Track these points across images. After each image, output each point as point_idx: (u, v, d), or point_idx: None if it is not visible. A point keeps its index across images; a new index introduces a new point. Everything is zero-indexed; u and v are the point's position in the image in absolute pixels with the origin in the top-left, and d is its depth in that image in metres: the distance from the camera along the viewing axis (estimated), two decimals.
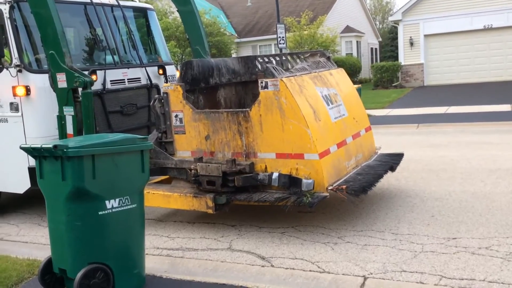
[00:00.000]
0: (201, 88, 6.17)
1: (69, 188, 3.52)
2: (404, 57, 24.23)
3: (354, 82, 24.23)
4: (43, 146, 3.55)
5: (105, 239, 3.68)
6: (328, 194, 4.84)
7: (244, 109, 5.27)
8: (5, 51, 5.67)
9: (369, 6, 46.48)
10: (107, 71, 6.45)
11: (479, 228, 4.90)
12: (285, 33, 15.52)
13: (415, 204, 5.83)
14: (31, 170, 5.68)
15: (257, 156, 5.12)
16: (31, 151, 3.68)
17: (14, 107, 5.82)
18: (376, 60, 35.41)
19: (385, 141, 8.59)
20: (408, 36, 23.95)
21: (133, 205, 3.84)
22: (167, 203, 5.54)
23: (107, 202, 3.65)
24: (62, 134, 5.62)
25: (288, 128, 4.90)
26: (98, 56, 6.84)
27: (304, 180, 4.83)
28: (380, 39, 39.08)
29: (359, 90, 12.44)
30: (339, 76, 6.39)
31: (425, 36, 23.56)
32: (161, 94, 5.79)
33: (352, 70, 26.60)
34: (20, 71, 5.68)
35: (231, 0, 34.96)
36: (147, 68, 7.10)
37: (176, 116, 5.61)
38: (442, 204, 5.76)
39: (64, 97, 5.55)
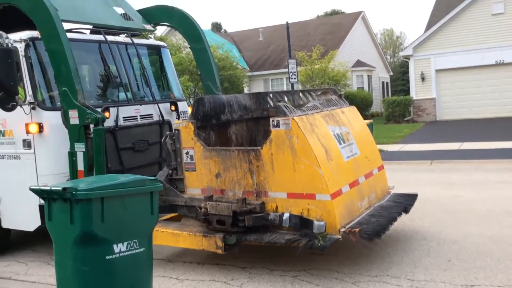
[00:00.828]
0: (213, 124, 6.15)
1: (77, 231, 3.45)
2: (416, 91, 24.22)
3: (366, 116, 24.29)
4: (52, 188, 3.51)
5: (112, 284, 3.58)
6: (340, 237, 4.72)
7: (255, 148, 5.22)
8: (20, 88, 5.71)
9: (379, 41, 46.95)
10: (120, 107, 6.47)
11: (498, 275, 4.72)
12: (297, 67, 15.62)
13: (431, 247, 5.66)
14: (42, 208, 5.64)
15: (268, 195, 5.04)
16: (41, 193, 3.64)
17: (26, 144, 5.83)
18: (388, 94, 35.47)
19: (398, 178, 8.45)
20: (419, 71, 24.00)
21: (142, 249, 3.75)
22: (176, 242, 5.44)
23: (115, 246, 3.57)
24: (73, 170, 5.60)
25: (299, 168, 4.83)
26: (111, 93, 6.88)
27: (315, 222, 4.72)
28: (391, 73, 39.25)
29: (370, 125, 12.36)
30: (351, 114, 6.34)
31: (437, 71, 23.59)
32: (173, 131, 5.78)
33: (364, 104, 26.62)
34: (33, 108, 5.71)
35: (243, 35, 35.51)
36: (159, 104, 7.12)
37: (187, 153, 5.57)
38: (459, 248, 5.59)
39: (76, 133, 5.56)
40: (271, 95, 6.80)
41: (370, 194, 5.71)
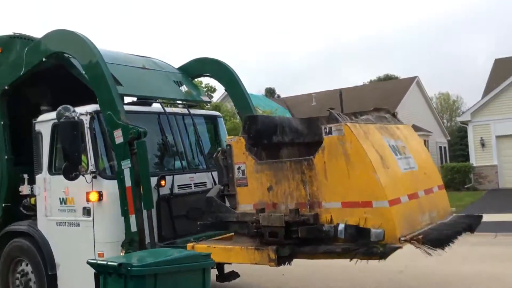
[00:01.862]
0: (264, 144, 5.94)
1: None
2: (476, 158, 23.38)
3: None
4: (108, 263, 3.58)
5: None
6: (401, 246, 4.36)
7: (307, 157, 5.01)
8: (83, 157, 6.00)
9: (435, 105, 46.28)
10: (175, 176, 6.62)
11: None
12: None
13: None
14: (98, 277, 5.72)
15: (322, 206, 4.79)
16: (97, 267, 3.71)
17: (86, 211, 6.03)
18: (446, 160, 34.41)
19: (460, 251, 7.97)
20: (478, 137, 23.27)
21: None
22: (228, 258, 5.27)
23: None
24: (122, 188, 5.75)
25: (354, 174, 4.57)
26: (167, 162, 7.08)
27: (373, 230, 4.37)
28: (449, 138, 38.26)
29: None
30: (407, 131, 6.05)
31: (497, 137, 22.80)
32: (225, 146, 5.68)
33: None
34: (95, 177, 5.95)
35: (296, 100, 36.16)
36: (212, 172, 7.23)
37: (239, 168, 5.44)
38: None
39: (121, 151, 5.77)
40: (322, 119, 6.58)
41: (431, 210, 5.28)
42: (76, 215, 6.15)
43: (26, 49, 6.99)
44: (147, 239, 5.67)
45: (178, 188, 6.64)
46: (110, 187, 5.96)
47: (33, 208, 6.79)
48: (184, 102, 7.90)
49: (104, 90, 6.00)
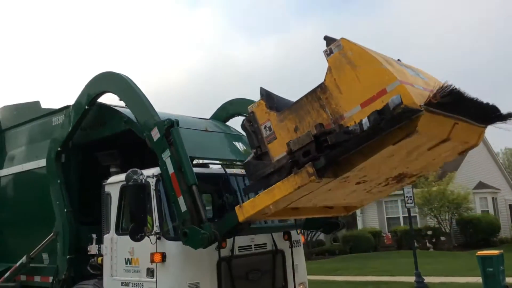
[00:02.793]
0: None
1: None
2: None
3: (494, 243, 22.12)
4: None
5: None
6: (421, 109, 4.33)
7: (318, 84, 5.11)
8: (148, 218, 6.21)
9: (502, 161, 44.16)
10: (236, 237, 6.67)
11: None
12: (413, 191, 15.10)
13: None
14: None
15: (344, 117, 4.86)
16: None
17: (150, 272, 6.17)
18: None
19: None
20: None
21: None
22: (273, 196, 5.21)
23: None
24: (167, 176, 6.17)
25: (362, 75, 4.67)
26: None
27: (390, 100, 4.40)
28: None
29: (501, 256, 11.20)
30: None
31: None
32: (249, 113, 5.77)
33: (490, 229, 24.52)
34: (159, 238, 6.12)
35: None
36: (273, 233, 7.23)
37: (265, 126, 5.56)
38: None
39: (160, 145, 6.27)
40: None
41: None
42: (140, 275, 6.29)
43: (70, 107, 7.88)
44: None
45: (238, 249, 6.68)
46: (173, 248, 6.11)
47: (99, 267, 7.02)
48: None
49: (136, 100, 6.84)
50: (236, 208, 5.65)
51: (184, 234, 5.85)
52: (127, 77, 7.19)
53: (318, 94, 5.14)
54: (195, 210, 5.95)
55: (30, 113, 9.06)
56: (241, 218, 5.59)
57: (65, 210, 7.75)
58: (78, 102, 7.82)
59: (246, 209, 5.55)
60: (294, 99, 5.48)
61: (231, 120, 9.03)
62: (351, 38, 4.91)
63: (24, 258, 8.14)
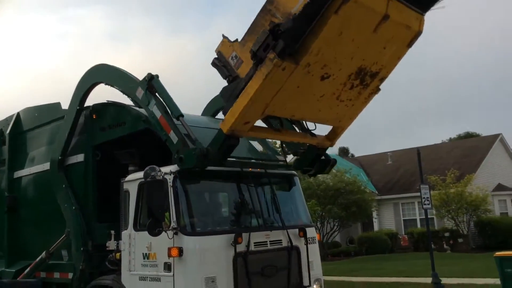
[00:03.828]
0: None
1: None
2: None
3: None
4: None
5: None
6: None
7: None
8: (166, 215, 6.33)
9: None
10: (251, 233, 6.76)
11: None
12: (430, 193, 15.00)
13: None
14: None
15: (292, 13, 5.35)
16: None
17: (167, 266, 6.28)
18: None
19: None
20: None
21: None
22: (247, 96, 5.61)
23: None
24: (155, 120, 6.82)
25: None
26: (244, 219, 7.26)
27: None
28: None
29: None
30: None
31: None
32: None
33: (509, 231, 24.11)
34: (176, 233, 6.24)
35: (371, 159, 35.56)
36: (288, 230, 7.30)
37: (231, 57, 6.12)
38: None
39: (146, 99, 6.96)
40: None
41: None
42: (158, 270, 6.41)
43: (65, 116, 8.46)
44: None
45: (254, 245, 6.76)
46: (190, 243, 6.22)
47: (117, 263, 7.17)
48: (260, 161, 8.15)
49: (119, 75, 7.59)
50: (220, 124, 6.14)
51: (180, 160, 6.31)
52: (105, 63, 8.03)
53: (267, 7, 5.67)
54: (187, 138, 6.45)
55: (50, 114, 9.28)
56: (225, 129, 6.02)
57: (73, 208, 8.05)
58: (70, 105, 8.38)
59: (227, 119, 5.95)
60: None
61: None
62: None
63: (43, 253, 8.35)
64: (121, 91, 7.72)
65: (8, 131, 10.03)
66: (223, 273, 6.35)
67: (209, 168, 6.96)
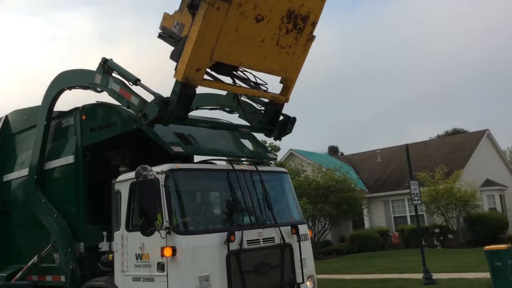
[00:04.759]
0: None
1: None
2: None
3: (502, 240, 22.08)
4: None
5: None
6: None
7: None
8: (158, 215, 6.30)
9: (509, 158, 43.96)
10: (244, 231, 6.77)
11: None
12: (419, 189, 15.13)
13: None
14: None
15: None
16: None
17: (160, 266, 6.27)
18: None
19: None
20: None
21: None
22: (191, 41, 6.07)
23: None
24: (117, 96, 7.21)
25: None
26: (237, 217, 7.27)
27: None
28: None
29: (508, 251, 11.17)
30: None
31: None
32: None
33: (498, 226, 24.45)
34: (169, 233, 6.22)
35: (360, 157, 35.74)
36: (281, 228, 7.32)
37: (174, 26, 6.71)
38: None
39: (104, 81, 7.40)
40: None
41: None
42: (151, 270, 6.38)
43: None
44: None
45: (247, 243, 6.78)
46: (183, 242, 6.21)
47: (110, 264, 7.13)
48: (251, 160, 8.17)
49: (78, 73, 8.05)
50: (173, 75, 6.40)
51: (144, 116, 6.58)
52: (64, 71, 8.44)
53: None
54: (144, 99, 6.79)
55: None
56: (179, 77, 6.30)
57: (55, 215, 8.13)
58: (38, 121, 8.70)
59: (179, 68, 6.29)
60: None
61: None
62: None
63: (35, 258, 8.28)
64: (83, 88, 8.01)
65: None
66: (216, 272, 6.35)
67: (200, 166, 6.99)
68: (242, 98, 8.23)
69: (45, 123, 8.53)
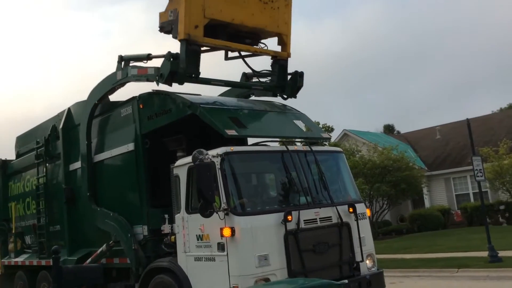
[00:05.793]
0: None
1: None
2: None
3: None
4: None
5: None
6: None
7: None
8: (216, 197, 6.46)
9: None
10: (301, 211, 6.82)
11: None
12: (483, 165, 14.53)
13: None
14: None
15: None
16: None
17: (220, 246, 6.44)
18: None
19: None
20: None
21: None
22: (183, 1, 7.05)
23: None
24: (138, 77, 8.16)
25: None
26: (293, 198, 7.30)
27: None
28: None
29: None
30: None
31: None
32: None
33: None
34: (227, 214, 6.37)
35: (418, 135, 34.68)
36: (337, 207, 7.30)
37: (169, 16, 7.39)
38: None
39: (124, 72, 8.34)
40: None
41: None
42: (212, 250, 6.58)
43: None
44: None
45: (304, 223, 6.82)
46: (241, 223, 6.35)
47: (173, 245, 7.40)
48: (305, 140, 8.16)
49: (106, 80, 8.86)
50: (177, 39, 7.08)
51: (161, 76, 7.39)
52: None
53: None
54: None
55: (100, 107, 9.59)
56: (181, 36, 7.02)
57: (111, 214, 8.60)
58: (81, 144, 9.60)
59: (179, 29, 6.97)
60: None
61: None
62: None
63: (104, 246, 8.70)
64: (110, 93, 8.94)
65: (61, 126, 10.44)
66: (275, 251, 6.45)
67: (254, 148, 7.05)
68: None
69: (86, 142, 9.30)
